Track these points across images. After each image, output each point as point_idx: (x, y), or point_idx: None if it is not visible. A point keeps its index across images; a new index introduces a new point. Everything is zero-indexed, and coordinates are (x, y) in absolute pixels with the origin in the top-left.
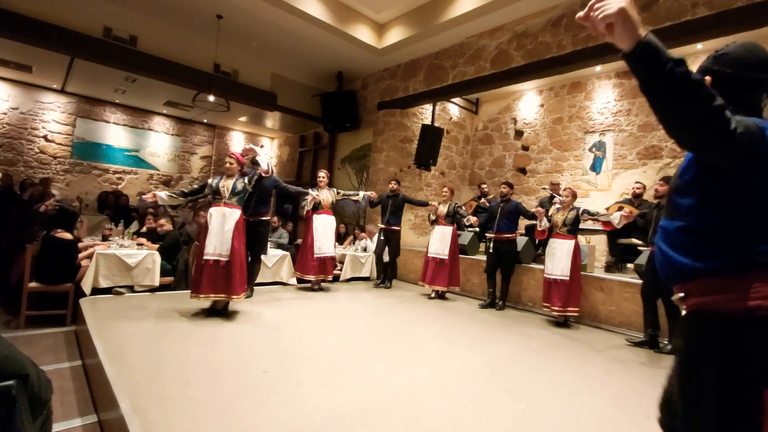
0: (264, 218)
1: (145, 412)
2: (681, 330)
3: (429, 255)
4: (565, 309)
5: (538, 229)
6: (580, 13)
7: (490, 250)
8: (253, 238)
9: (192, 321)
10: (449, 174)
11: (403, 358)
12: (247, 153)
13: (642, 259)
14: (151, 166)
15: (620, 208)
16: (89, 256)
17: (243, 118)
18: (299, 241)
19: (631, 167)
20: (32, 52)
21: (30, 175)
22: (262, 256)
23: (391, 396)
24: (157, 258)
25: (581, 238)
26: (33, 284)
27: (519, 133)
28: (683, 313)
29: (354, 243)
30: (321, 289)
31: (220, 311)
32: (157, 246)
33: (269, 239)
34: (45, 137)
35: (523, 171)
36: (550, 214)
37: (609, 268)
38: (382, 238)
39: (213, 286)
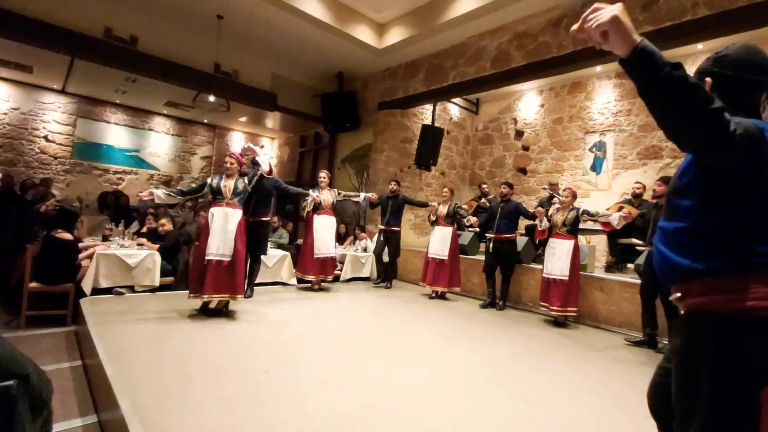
0: (264, 219)
1: (145, 412)
2: (679, 330)
3: (429, 256)
4: (565, 309)
5: (538, 229)
6: (575, 26)
7: (490, 250)
8: (253, 238)
9: (192, 321)
10: (449, 174)
11: (403, 358)
12: (247, 153)
13: (642, 259)
14: (152, 167)
15: (620, 209)
16: (89, 257)
17: (243, 119)
18: (299, 241)
19: (631, 167)
20: (33, 53)
21: (30, 175)
22: (262, 257)
23: (391, 396)
24: (158, 258)
25: (581, 239)
26: (33, 284)
27: (519, 133)
28: (681, 313)
29: (354, 243)
30: (321, 290)
31: (221, 311)
32: (157, 246)
33: (269, 239)
34: (45, 137)
35: (523, 171)
36: (549, 214)
37: (609, 268)
38: (381, 238)
39: (216, 286)
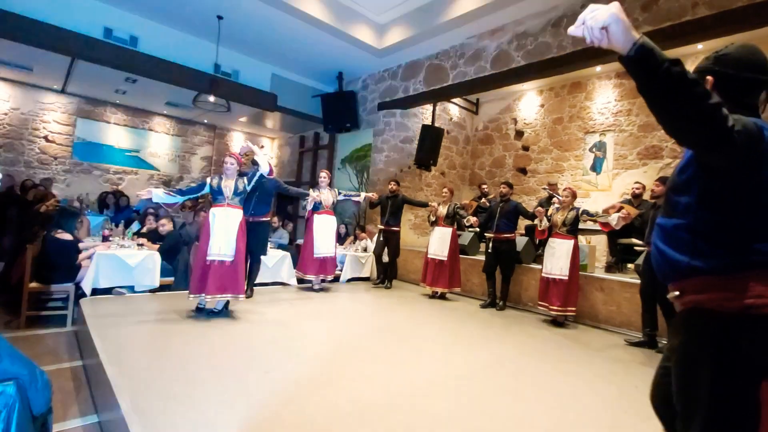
0: (264, 219)
1: (145, 413)
2: (676, 329)
3: (429, 256)
4: (565, 309)
5: (538, 229)
6: (572, 28)
7: (489, 250)
8: (253, 238)
9: (192, 321)
10: (449, 174)
11: (403, 358)
12: (246, 152)
13: (642, 259)
14: (152, 167)
15: (620, 209)
16: (90, 257)
17: (243, 119)
18: (300, 241)
19: (631, 167)
20: (33, 53)
21: (31, 175)
22: (262, 257)
23: (391, 396)
24: (158, 258)
25: (582, 239)
26: (33, 284)
27: (519, 134)
28: (678, 311)
29: (354, 243)
30: (321, 290)
31: (220, 311)
32: (157, 246)
33: (269, 239)
34: (45, 138)
35: (523, 171)
36: (549, 214)
37: (609, 268)
38: (381, 238)
39: (219, 286)
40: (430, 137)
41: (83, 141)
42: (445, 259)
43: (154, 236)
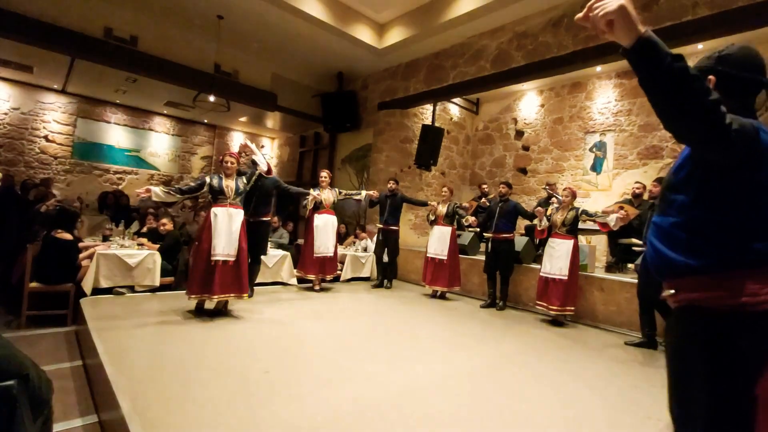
0: (264, 219)
1: (145, 412)
2: (672, 327)
3: (428, 255)
4: (564, 309)
5: (538, 228)
6: (580, 14)
7: (489, 250)
8: (253, 238)
9: (192, 321)
10: (450, 174)
11: (403, 358)
12: (243, 150)
13: (641, 260)
14: (152, 167)
15: (620, 209)
16: (90, 257)
17: (243, 119)
18: (300, 241)
19: (631, 167)
20: (33, 53)
21: (31, 175)
22: (262, 257)
23: (391, 396)
24: (158, 258)
25: (582, 238)
26: (34, 284)
27: (519, 133)
28: (673, 308)
29: (354, 243)
30: (322, 289)
31: (219, 311)
32: (157, 246)
33: (269, 239)
34: (46, 137)
35: (523, 171)
36: (549, 214)
37: (609, 268)
38: (380, 238)
39: (223, 286)
40: (430, 137)
41: (83, 141)
42: (445, 258)
43: (154, 236)
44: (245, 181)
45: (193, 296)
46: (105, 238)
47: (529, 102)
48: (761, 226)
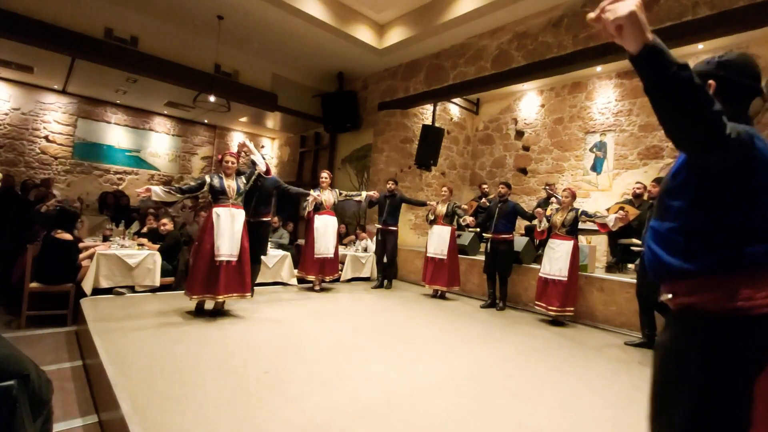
0: (265, 219)
1: (145, 412)
2: (668, 326)
3: (428, 255)
4: (564, 309)
5: (538, 230)
6: (591, 14)
7: (488, 251)
8: (253, 238)
9: (192, 321)
10: (450, 174)
11: (403, 358)
12: (241, 149)
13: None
14: (152, 167)
15: (621, 209)
16: (90, 257)
17: (244, 119)
18: (300, 241)
19: (632, 167)
20: (33, 53)
21: (31, 175)
22: (263, 257)
23: (391, 396)
24: (158, 258)
25: (582, 239)
26: (34, 284)
27: (520, 134)
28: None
29: (355, 243)
30: (322, 290)
31: (219, 311)
32: (157, 246)
33: (269, 239)
34: (46, 138)
35: (523, 171)
36: (549, 214)
37: (610, 268)
38: (379, 238)
39: (227, 286)
40: (431, 137)
41: (84, 141)
42: (445, 257)
43: (154, 236)
44: (245, 180)
45: (195, 296)
46: (105, 238)
47: (529, 102)
48: (756, 231)
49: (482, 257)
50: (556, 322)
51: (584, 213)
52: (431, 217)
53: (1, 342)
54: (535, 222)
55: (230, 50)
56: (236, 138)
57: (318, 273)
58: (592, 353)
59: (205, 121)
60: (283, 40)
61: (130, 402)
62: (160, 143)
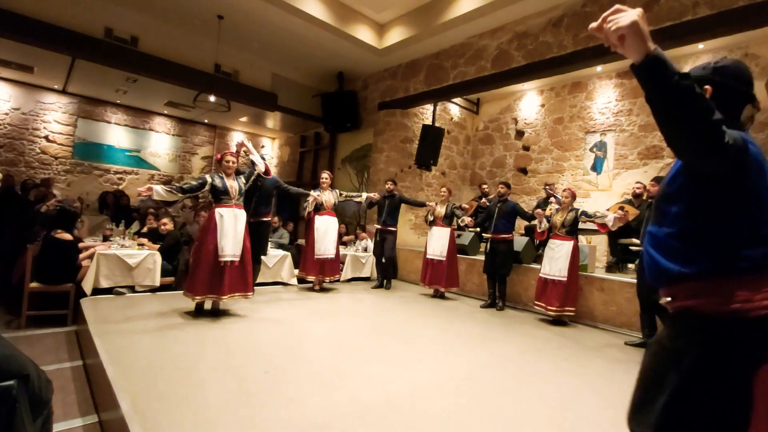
0: (265, 219)
1: (145, 412)
2: (666, 324)
3: (427, 256)
4: (563, 309)
5: (538, 231)
6: (594, 24)
7: (488, 251)
8: (253, 238)
9: (192, 321)
10: (450, 174)
11: (403, 358)
12: (240, 148)
13: None
14: (152, 167)
15: (621, 209)
16: (90, 257)
17: (244, 119)
18: (300, 241)
19: (632, 167)
20: (33, 53)
21: (31, 175)
22: (263, 257)
23: (391, 396)
24: (158, 258)
25: (582, 239)
26: (34, 284)
27: (520, 133)
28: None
29: (355, 243)
30: (322, 290)
31: (218, 311)
32: (157, 246)
33: (269, 239)
34: (46, 137)
35: (524, 171)
36: (549, 215)
37: (610, 268)
38: (378, 239)
39: (231, 286)
40: (431, 137)
41: (84, 141)
42: (444, 259)
43: (154, 236)
44: (244, 180)
45: (198, 297)
46: (105, 238)
47: (529, 102)
48: (752, 234)
49: (482, 257)
50: (556, 321)
51: (584, 213)
52: (430, 218)
53: (1, 342)
54: (535, 222)
55: (230, 50)
56: (236, 138)
57: (318, 273)
58: (592, 353)
59: (205, 121)
60: (283, 40)
61: (130, 402)
62: (160, 143)
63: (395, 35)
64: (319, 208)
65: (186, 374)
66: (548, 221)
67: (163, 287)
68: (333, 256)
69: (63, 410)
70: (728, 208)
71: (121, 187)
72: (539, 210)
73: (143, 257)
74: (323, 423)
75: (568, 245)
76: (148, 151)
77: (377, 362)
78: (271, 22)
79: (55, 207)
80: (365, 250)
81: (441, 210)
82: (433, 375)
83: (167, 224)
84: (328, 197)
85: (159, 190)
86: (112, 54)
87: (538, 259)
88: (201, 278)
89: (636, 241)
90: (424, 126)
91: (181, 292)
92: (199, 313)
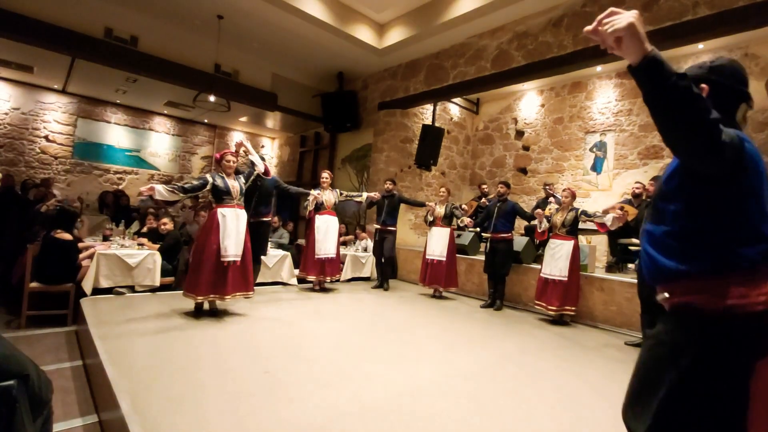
0: (265, 219)
1: (145, 412)
2: (663, 320)
3: (427, 257)
4: (563, 308)
5: (538, 231)
6: (589, 27)
7: (488, 251)
8: (253, 238)
9: (192, 321)
10: (450, 174)
11: (403, 358)
12: (239, 148)
13: None
14: (152, 166)
15: (621, 209)
16: (90, 257)
17: (244, 119)
18: (300, 241)
19: (632, 167)
20: (33, 53)
21: (31, 175)
22: (262, 257)
23: (391, 396)
24: (158, 258)
25: (582, 239)
26: (34, 284)
27: (520, 133)
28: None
29: (355, 243)
30: (322, 290)
31: (218, 311)
32: (157, 246)
33: (269, 239)
34: (46, 137)
35: (523, 171)
36: (549, 215)
37: (610, 268)
38: (377, 238)
39: (234, 286)
40: (431, 137)
41: (84, 141)
42: (443, 259)
43: (154, 236)
44: (243, 180)
45: (201, 297)
46: (105, 238)
47: (529, 102)
48: (749, 232)
49: (482, 257)
50: (556, 321)
51: (584, 213)
52: (430, 219)
53: (1, 342)
54: (535, 222)
55: (230, 50)
56: (236, 138)
57: (319, 273)
58: (592, 353)
59: (205, 120)
60: (283, 40)
61: (130, 402)
62: (160, 143)
63: (395, 35)
64: (319, 208)
65: (186, 374)
66: (548, 221)
67: (163, 287)
68: (334, 255)
69: (63, 410)
70: (726, 207)
71: (121, 187)
72: (539, 210)
73: (143, 257)
74: (323, 423)
75: (569, 245)
76: (147, 151)
77: (377, 362)
78: (271, 22)
79: (55, 207)
80: (365, 250)
81: (440, 210)
82: (433, 375)
83: (167, 224)
84: (329, 197)
85: (161, 190)
86: (112, 54)
87: (538, 259)
88: (204, 278)
89: (636, 241)
90: (424, 126)
91: (181, 292)
92: (198, 313)
